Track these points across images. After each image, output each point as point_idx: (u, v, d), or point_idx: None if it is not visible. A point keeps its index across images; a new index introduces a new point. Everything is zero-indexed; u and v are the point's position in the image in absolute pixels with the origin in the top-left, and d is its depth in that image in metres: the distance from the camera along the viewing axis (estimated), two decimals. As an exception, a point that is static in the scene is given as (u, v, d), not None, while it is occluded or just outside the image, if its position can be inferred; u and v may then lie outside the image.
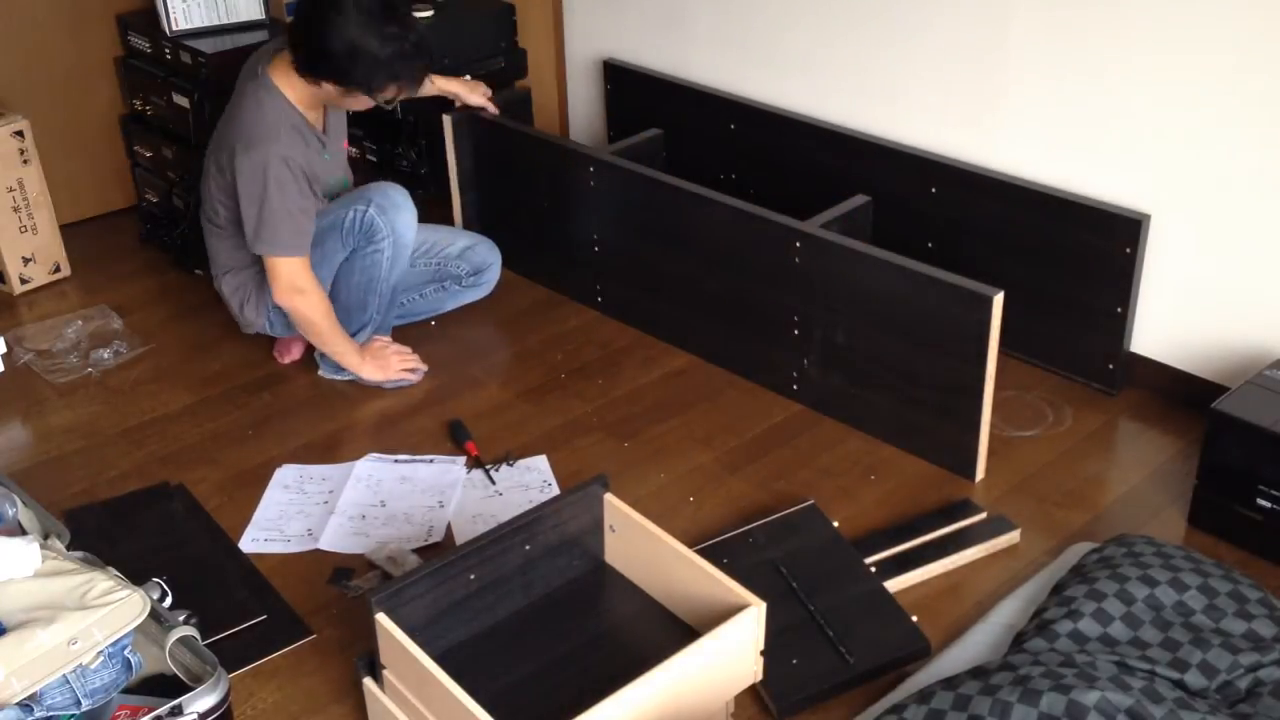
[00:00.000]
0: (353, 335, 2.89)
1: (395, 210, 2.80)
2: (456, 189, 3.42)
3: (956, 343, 2.44)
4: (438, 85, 3.17)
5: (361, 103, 2.72)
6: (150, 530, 2.43)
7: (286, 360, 3.04)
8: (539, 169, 3.20)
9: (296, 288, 2.72)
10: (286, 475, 2.61)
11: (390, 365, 2.90)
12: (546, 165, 3.18)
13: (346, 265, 2.85)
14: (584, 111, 3.86)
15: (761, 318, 2.81)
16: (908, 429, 2.61)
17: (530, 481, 2.57)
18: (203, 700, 1.78)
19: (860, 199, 2.88)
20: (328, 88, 2.67)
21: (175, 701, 1.77)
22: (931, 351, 2.49)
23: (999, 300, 2.36)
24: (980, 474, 2.53)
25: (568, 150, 3.16)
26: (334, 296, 2.87)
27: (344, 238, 2.80)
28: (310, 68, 2.64)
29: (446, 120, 3.27)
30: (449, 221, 3.47)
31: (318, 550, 2.38)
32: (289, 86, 2.71)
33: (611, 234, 3.10)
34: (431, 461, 2.63)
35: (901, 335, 2.53)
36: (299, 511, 2.49)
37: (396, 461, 2.63)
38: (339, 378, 2.94)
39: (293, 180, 2.68)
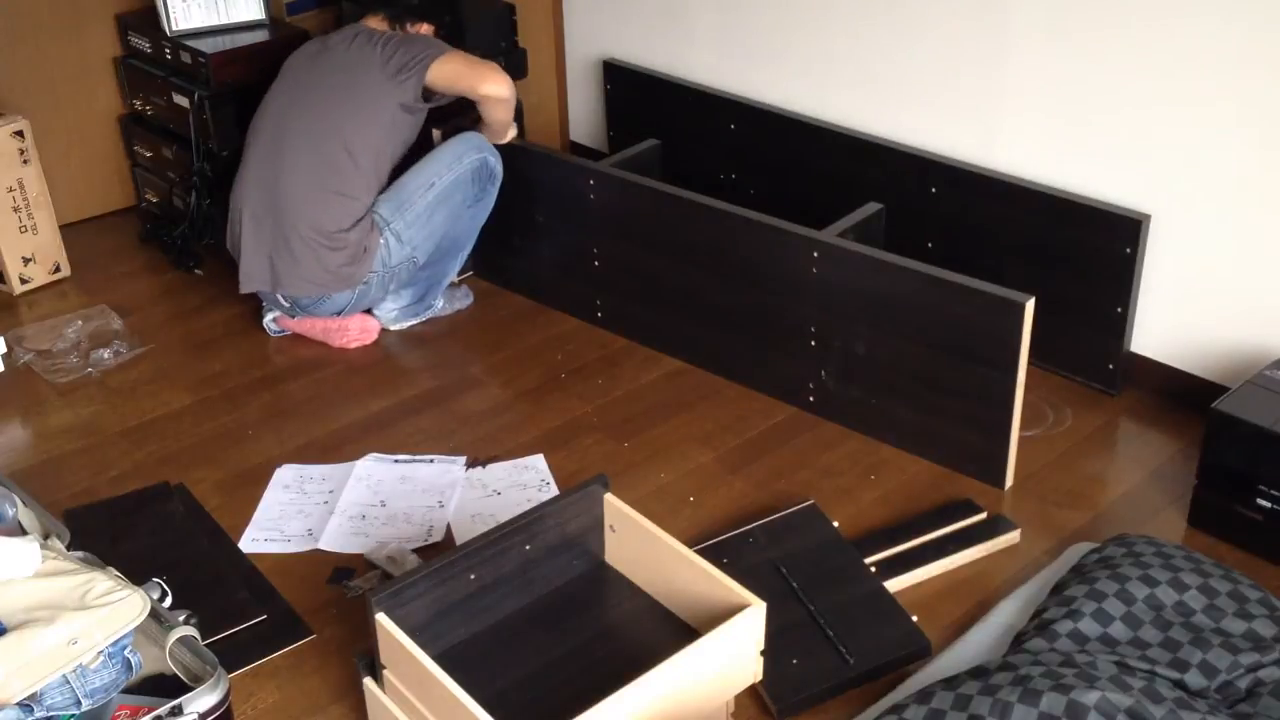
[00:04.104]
0: (450, 276, 3.18)
1: (497, 153, 3.08)
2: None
3: (986, 351, 2.41)
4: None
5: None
6: (150, 530, 2.43)
7: (352, 344, 3.08)
8: (534, 182, 3.15)
9: (491, 67, 2.95)
10: (286, 475, 2.61)
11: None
12: (542, 178, 3.14)
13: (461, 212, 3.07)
14: (584, 112, 3.86)
15: (776, 330, 2.76)
16: (932, 439, 2.58)
17: (528, 480, 2.57)
18: (203, 700, 1.78)
19: (873, 206, 2.87)
20: (425, 32, 3.05)
21: (175, 701, 1.76)
22: (958, 360, 2.46)
23: (1030, 306, 2.34)
24: (1010, 481, 2.51)
25: (565, 163, 3.13)
26: (445, 243, 3.07)
27: (469, 187, 3.02)
28: (417, 11, 3.03)
29: (436, 135, 3.21)
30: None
31: (318, 550, 2.38)
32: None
33: (612, 248, 3.06)
34: (432, 461, 2.63)
35: (926, 345, 2.50)
36: (299, 511, 2.49)
37: (396, 461, 2.63)
38: (408, 324, 3.17)
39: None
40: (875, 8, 2.97)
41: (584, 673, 1.89)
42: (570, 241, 3.15)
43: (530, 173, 3.15)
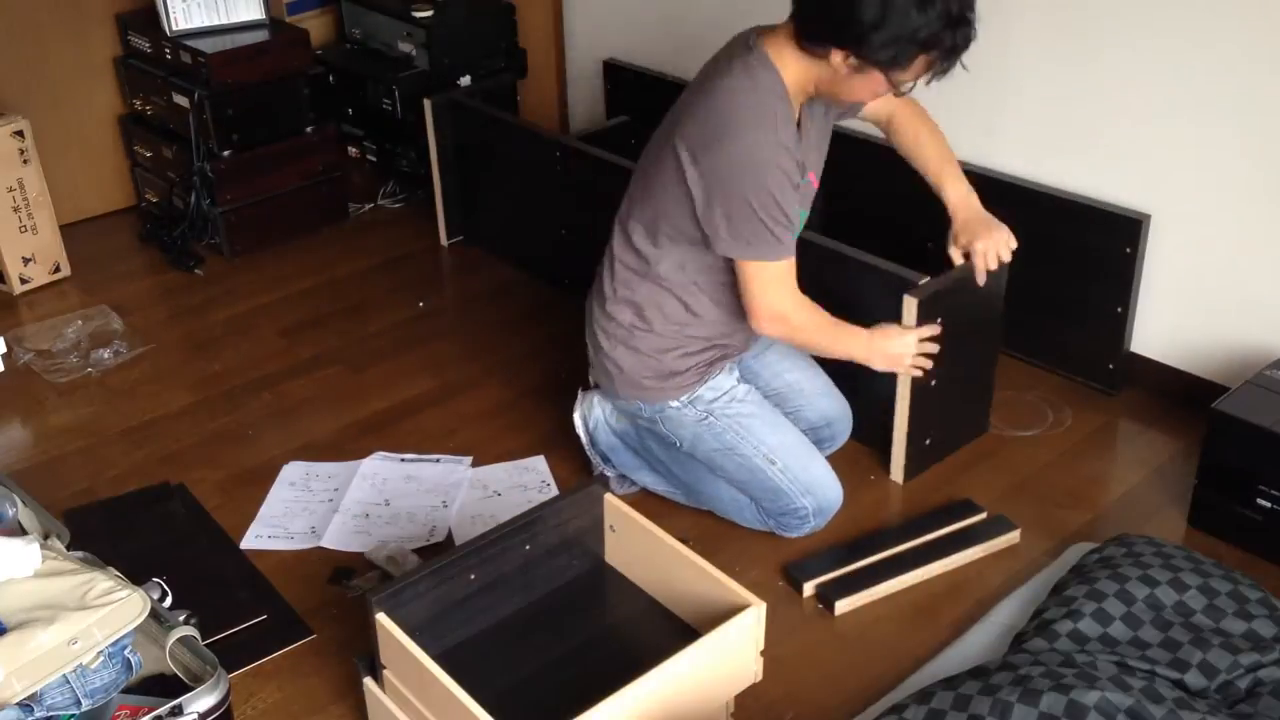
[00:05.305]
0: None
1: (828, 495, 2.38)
2: (438, 180, 3.48)
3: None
4: (948, 193, 2.49)
5: (871, 88, 2.11)
6: (150, 530, 2.43)
7: None
8: (515, 156, 3.24)
9: (776, 314, 2.20)
10: (293, 472, 2.61)
11: (900, 360, 2.32)
12: (518, 152, 3.23)
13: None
14: (584, 111, 3.85)
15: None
16: None
17: (529, 481, 2.57)
18: (203, 700, 1.78)
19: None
20: (835, 63, 2.05)
21: (175, 701, 1.76)
22: None
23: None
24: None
25: (534, 136, 3.21)
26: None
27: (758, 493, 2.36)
28: (820, 30, 2.04)
29: (427, 105, 3.31)
30: (431, 218, 3.50)
31: (319, 549, 2.37)
32: (783, 63, 2.14)
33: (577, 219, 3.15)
34: (438, 461, 2.62)
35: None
36: (304, 509, 2.49)
37: (403, 460, 2.63)
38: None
39: (788, 173, 2.14)
40: (875, 8, 2.97)
41: (584, 673, 1.89)
42: (542, 213, 3.24)
43: (511, 146, 3.21)
